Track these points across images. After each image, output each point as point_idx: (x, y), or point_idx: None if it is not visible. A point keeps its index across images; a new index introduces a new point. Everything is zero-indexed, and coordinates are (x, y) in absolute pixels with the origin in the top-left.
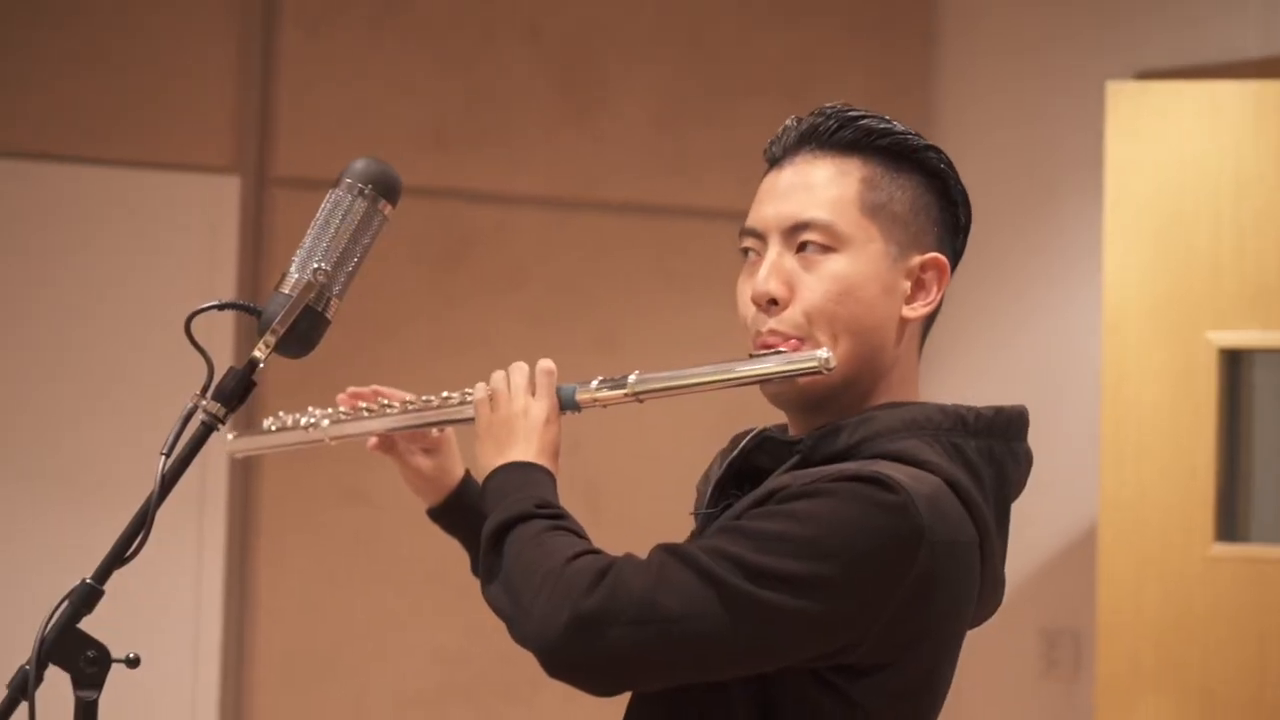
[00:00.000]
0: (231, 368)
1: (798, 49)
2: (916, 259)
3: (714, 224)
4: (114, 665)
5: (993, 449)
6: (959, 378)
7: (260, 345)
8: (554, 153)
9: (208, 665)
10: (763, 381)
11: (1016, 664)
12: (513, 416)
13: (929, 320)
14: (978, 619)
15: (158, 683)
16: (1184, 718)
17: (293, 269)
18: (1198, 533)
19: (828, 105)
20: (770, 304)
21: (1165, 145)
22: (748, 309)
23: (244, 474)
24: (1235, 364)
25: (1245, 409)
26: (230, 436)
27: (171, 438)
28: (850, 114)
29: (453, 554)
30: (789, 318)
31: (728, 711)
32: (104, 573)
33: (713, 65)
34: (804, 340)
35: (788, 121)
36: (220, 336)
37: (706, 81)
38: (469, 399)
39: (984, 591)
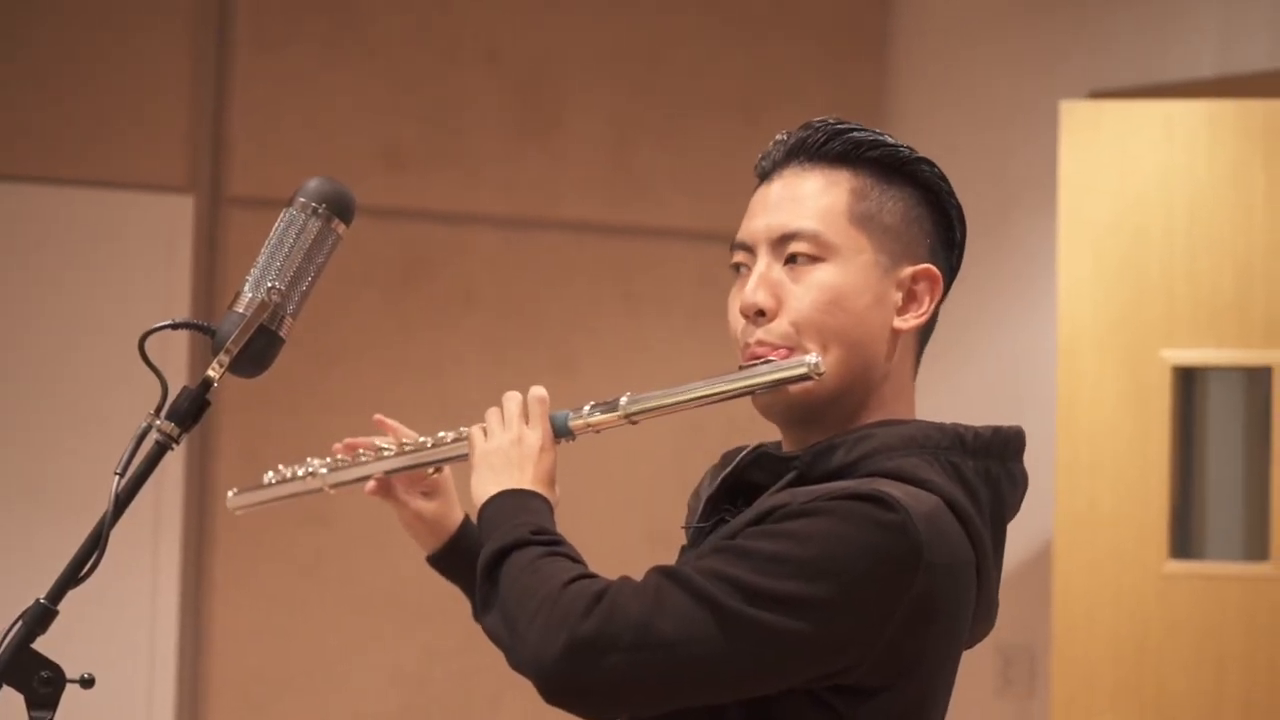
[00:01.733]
0: (185, 387)
1: (755, 69)
2: (908, 270)
3: (673, 245)
4: (68, 686)
5: (989, 469)
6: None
7: (214, 365)
8: (511, 172)
9: (163, 687)
10: (752, 393)
11: (972, 681)
12: (507, 445)
13: (923, 334)
14: (971, 641)
15: (112, 704)
16: None
17: (246, 288)
18: (1152, 549)
19: (816, 119)
20: (758, 315)
21: (1119, 164)
22: (737, 322)
23: (199, 494)
24: (1189, 382)
25: (1199, 426)
26: (231, 494)
27: (126, 457)
28: (839, 126)
29: (412, 576)
30: (776, 328)
31: None
32: (58, 593)
33: (670, 85)
34: (793, 350)
35: (777, 136)
36: (174, 356)
37: (664, 101)
38: (464, 436)
39: (978, 613)
